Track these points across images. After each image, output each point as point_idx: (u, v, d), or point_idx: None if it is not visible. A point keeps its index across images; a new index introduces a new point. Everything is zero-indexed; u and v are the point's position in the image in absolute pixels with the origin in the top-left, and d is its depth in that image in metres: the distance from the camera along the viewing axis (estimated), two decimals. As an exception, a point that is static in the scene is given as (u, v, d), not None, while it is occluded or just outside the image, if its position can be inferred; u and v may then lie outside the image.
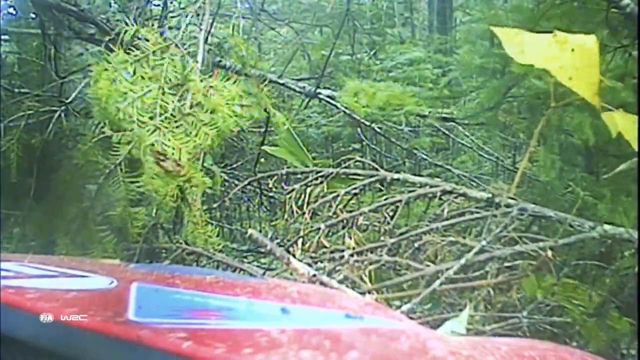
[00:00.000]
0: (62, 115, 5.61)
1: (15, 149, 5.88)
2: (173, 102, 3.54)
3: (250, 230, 3.73)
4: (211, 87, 3.61)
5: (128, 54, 3.61)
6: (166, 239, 4.60)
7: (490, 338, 2.00)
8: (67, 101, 5.46)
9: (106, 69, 3.54)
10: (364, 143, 7.83)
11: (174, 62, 3.68)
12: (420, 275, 3.35)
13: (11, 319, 1.20)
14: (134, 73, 3.55)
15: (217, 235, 4.27)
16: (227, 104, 3.57)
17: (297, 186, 4.34)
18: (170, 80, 3.59)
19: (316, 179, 4.35)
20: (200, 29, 4.41)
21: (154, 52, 3.66)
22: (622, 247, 3.56)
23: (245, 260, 4.69)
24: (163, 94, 3.52)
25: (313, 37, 9.20)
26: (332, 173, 4.35)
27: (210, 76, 3.73)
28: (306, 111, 7.78)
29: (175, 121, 3.53)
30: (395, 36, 10.27)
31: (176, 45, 3.81)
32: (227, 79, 3.76)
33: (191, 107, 3.60)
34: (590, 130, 4.15)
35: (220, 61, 4.96)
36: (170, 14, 6.21)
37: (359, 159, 4.83)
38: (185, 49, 4.03)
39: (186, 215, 4.13)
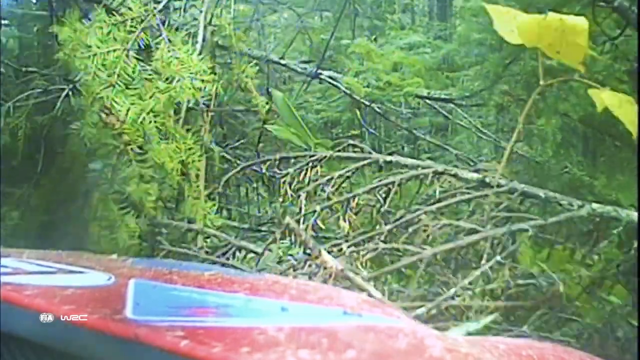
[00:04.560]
0: (70, 93, 5.56)
1: (24, 126, 5.86)
2: (135, 65, 3.77)
3: (287, 219, 3.76)
4: (177, 58, 3.79)
5: (110, 16, 3.85)
6: (167, 215, 4.57)
7: (488, 337, 1.98)
8: (75, 79, 5.40)
9: (81, 22, 3.81)
10: (362, 129, 7.78)
11: (146, 31, 3.91)
12: (418, 258, 3.32)
13: (9, 316, 1.17)
14: (108, 34, 3.77)
15: (216, 212, 4.34)
16: (189, 76, 3.74)
17: (291, 170, 4.34)
18: (138, 45, 3.83)
19: (312, 162, 4.31)
20: (201, 11, 4.65)
21: (132, 19, 3.87)
22: (610, 225, 3.55)
23: (244, 239, 4.63)
24: (127, 56, 3.75)
25: (313, 21, 9.11)
26: (325, 156, 4.33)
27: (186, 51, 3.89)
28: (306, 96, 7.72)
29: (133, 84, 3.77)
30: (396, 22, 10.20)
31: (154, 16, 4.00)
32: (198, 54, 3.97)
33: (152, 73, 3.81)
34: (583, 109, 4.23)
35: (217, 41, 4.94)
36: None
37: (355, 143, 4.77)
38: (187, 28, 4.36)
39: (187, 190, 4.23)
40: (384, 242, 3.66)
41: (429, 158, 7.92)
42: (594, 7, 3.93)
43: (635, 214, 3.38)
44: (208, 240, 4.37)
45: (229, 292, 1.50)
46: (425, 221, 3.64)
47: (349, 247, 3.60)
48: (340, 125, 8.30)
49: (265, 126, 5.68)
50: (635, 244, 3.34)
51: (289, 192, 4.22)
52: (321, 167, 4.33)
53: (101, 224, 4.00)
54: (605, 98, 3.13)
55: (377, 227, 3.96)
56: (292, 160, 4.74)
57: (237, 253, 4.22)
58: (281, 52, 7.04)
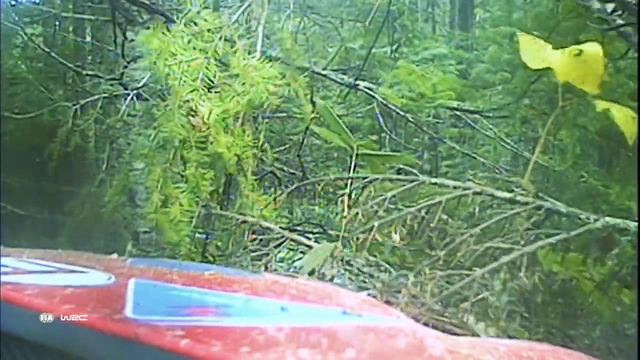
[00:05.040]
0: (135, 97, 5.59)
1: (93, 127, 5.91)
2: (215, 72, 3.87)
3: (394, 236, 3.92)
4: (252, 66, 3.87)
5: (188, 27, 3.93)
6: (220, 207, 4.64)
7: (488, 338, 1.91)
8: (139, 85, 5.42)
9: (164, 33, 3.85)
10: (382, 135, 7.72)
11: (223, 41, 3.97)
12: (471, 279, 3.35)
13: (9, 316, 1.12)
14: (189, 42, 3.85)
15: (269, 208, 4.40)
16: (263, 81, 3.81)
17: (346, 190, 4.34)
18: (217, 53, 3.90)
19: (364, 183, 4.31)
20: (259, 23, 4.77)
21: (208, 30, 3.93)
22: (621, 235, 3.61)
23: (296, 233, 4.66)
24: (208, 63, 3.84)
25: (341, 30, 9.01)
26: (377, 178, 4.28)
27: (254, 57, 3.99)
28: (328, 102, 7.68)
29: (214, 88, 3.89)
30: (418, 32, 10.06)
31: (228, 27, 4.06)
32: (269, 62, 3.99)
33: (230, 78, 3.93)
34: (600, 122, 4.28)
35: (265, 51, 4.98)
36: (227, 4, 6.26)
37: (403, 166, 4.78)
38: (239, 35, 4.31)
39: (241, 183, 4.32)
40: (440, 266, 3.69)
41: (447, 165, 7.91)
42: (604, 34, 3.92)
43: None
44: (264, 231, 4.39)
45: (229, 292, 1.43)
46: (471, 243, 3.63)
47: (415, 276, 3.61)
48: (361, 131, 8.24)
49: (312, 127, 5.66)
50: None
51: (346, 210, 4.21)
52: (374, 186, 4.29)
53: (159, 198, 3.97)
54: (614, 112, 3.18)
55: (425, 245, 4.06)
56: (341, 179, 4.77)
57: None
58: (321, 63, 7.02)
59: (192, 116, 3.87)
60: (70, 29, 7.99)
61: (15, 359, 1.13)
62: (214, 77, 3.90)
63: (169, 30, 3.88)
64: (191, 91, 3.79)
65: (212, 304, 1.33)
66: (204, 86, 3.83)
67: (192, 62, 3.84)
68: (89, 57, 7.81)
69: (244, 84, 3.86)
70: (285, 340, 1.11)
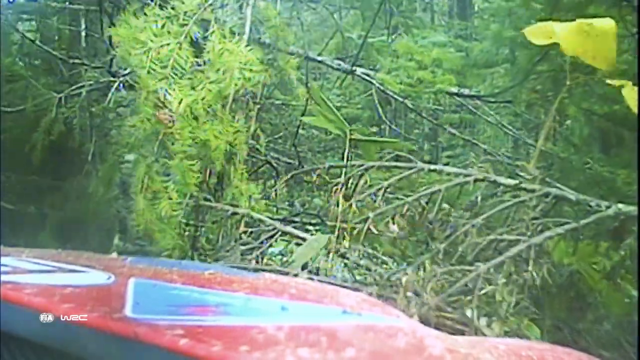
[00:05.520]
0: (122, 86, 5.60)
1: (78, 115, 5.91)
2: (188, 57, 3.80)
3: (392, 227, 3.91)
4: (227, 50, 3.83)
5: (164, 10, 3.89)
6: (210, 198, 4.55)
7: (488, 338, 1.94)
8: (125, 72, 5.43)
9: (136, 18, 3.85)
10: (381, 127, 7.72)
11: (198, 24, 3.95)
12: (475, 275, 3.28)
13: (9, 315, 1.14)
14: (162, 27, 3.83)
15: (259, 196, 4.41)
16: (239, 67, 3.77)
17: (341, 179, 4.27)
18: (190, 38, 3.86)
19: (360, 171, 4.26)
20: (248, 4, 4.67)
21: (185, 12, 3.90)
22: (632, 223, 3.54)
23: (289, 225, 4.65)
24: (180, 49, 3.79)
25: (338, 18, 8.96)
26: (373, 166, 4.29)
27: (231, 41, 3.92)
28: (326, 93, 7.66)
29: (185, 75, 3.81)
30: (417, 19, 10.01)
31: (205, 10, 4.03)
32: (246, 46, 3.96)
33: (204, 64, 3.88)
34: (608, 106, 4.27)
35: (259, 38, 4.95)
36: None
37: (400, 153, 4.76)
38: (225, 20, 4.49)
39: (232, 172, 4.28)
40: (440, 260, 3.63)
41: (447, 156, 7.91)
42: (621, 8, 3.89)
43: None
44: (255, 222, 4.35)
45: (229, 291, 1.46)
46: (474, 235, 3.59)
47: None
48: (360, 122, 8.22)
49: (302, 118, 5.70)
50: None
51: (340, 200, 4.14)
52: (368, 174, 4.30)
53: (146, 195, 3.95)
54: (627, 92, 3.13)
55: (425, 234, 4.05)
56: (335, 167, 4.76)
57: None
58: (316, 48, 7.02)
59: (160, 108, 3.79)
60: (64, 21, 7.98)
61: (15, 359, 1.15)
62: (186, 63, 3.83)
63: (145, 15, 3.85)
64: (160, 80, 3.74)
65: (212, 303, 1.35)
66: (174, 74, 3.77)
67: (161, 48, 3.79)
68: (84, 49, 7.82)
69: (217, 70, 3.82)
70: (284, 340, 1.14)
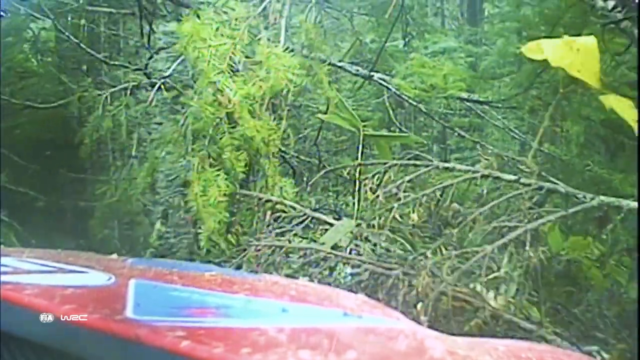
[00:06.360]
0: (163, 87, 5.56)
1: (124, 113, 5.91)
2: (240, 57, 4.21)
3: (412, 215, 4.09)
4: (275, 54, 4.15)
5: (218, 15, 4.24)
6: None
7: (488, 339, 1.86)
8: (166, 74, 5.38)
9: (197, 16, 4.17)
10: (391, 128, 7.63)
11: (250, 29, 4.27)
12: (482, 255, 3.46)
13: (9, 316, 1.07)
14: (217, 30, 4.12)
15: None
16: (284, 69, 4.08)
17: (369, 175, 4.35)
18: (243, 41, 4.17)
19: (385, 168, 4.35)
20: (282, 16, 4.95)
21: (236, 19, 4.21)
22: (614, 213, 3.77)
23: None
24: (234, 49, 4.14)
25: (353, 24, 8.84)
26: (396, 164, 4.36)
27: (277, 46, 4.30)
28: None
29: (238, 73, 4.28)
30: (429, 25, 9.87)
31: (255, 18, 4.40)
32: (290, 51, 4.32)
33: (254, 64, 4.22)
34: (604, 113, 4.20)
35: (288, 44, 5.00)
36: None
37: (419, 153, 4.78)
38: (265, 26, 4.73)
39: (265, 165, 4.56)
40: (454, 244, 3.88)
41: (456, 159, 7.86)
42: (604, 30, 3.94)
43: (633, 203, 3.58)
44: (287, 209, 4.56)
45: (230, 293, 1.40)
46: (481, 223, 3.77)
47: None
48: (371, 124, 8.16)
49: (319, 115, 5.76)
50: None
51: (369, 193, 4.23)
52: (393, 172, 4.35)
53: (200, 183, 4.19)
54: (612, 101, 3.31)
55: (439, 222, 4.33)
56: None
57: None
58: (335, 55, 6.96)
59: (220, 94, 4.08)
60: (83, 22, 7.91)
61: (15, 359, 1.08)
62: (239, 62, 4.23)
63: (199, 18, 4.12)
64: (218, 73, 4.07)
65: (213, 305, 1.29)
66: (229, 70, 4.09)
67: (220, 46, 4.08)
68: (107, 50, 7.77)
69: (267, 70, 4.10)
70: (286, 342, 1.09)
